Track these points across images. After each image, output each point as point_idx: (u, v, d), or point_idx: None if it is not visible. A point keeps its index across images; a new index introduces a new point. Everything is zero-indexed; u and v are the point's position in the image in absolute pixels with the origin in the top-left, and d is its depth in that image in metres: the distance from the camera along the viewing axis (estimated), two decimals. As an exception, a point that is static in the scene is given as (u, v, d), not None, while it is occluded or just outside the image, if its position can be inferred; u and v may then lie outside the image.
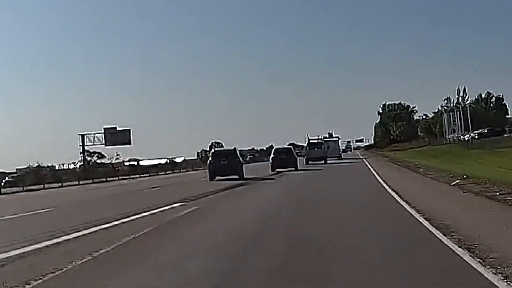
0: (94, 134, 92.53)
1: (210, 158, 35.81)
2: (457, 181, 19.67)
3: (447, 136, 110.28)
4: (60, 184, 53.85)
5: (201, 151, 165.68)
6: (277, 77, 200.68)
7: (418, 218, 11.16)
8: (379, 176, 25.63)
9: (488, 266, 6.62)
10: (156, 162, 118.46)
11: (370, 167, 35.84)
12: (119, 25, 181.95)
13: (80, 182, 56.74)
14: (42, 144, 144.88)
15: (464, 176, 20.98)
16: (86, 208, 21.14)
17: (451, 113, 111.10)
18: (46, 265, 8.25)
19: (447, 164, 37.72)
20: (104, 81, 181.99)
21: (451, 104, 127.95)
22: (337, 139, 79.96)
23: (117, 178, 63.89)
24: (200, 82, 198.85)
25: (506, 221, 10.33)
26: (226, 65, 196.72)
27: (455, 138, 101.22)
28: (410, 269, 6.85)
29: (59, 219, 16.05)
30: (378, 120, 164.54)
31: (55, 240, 10.91)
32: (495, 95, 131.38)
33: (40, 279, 7.37)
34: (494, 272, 6.36)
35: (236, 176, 33.25)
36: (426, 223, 10.36)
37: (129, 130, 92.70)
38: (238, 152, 37.09)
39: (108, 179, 61.62)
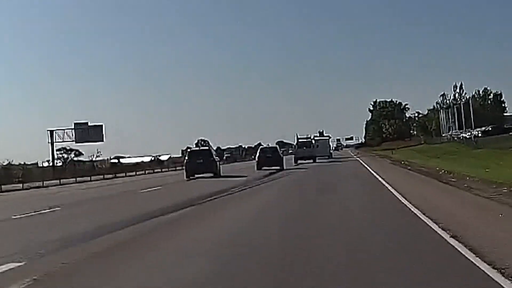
0: (64, 130, 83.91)
1: (186, 157, 37.82)
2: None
3: (443, 134, 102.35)
4: (41, 183, 45.82)
5: (186, 149, 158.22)
6: (266, 74, 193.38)
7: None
8: (398, 192, 15.48)
9: None
10: (143, 159, 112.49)
11: (373, 172, 26.80)
12: (99, 17, 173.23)
13: (61, 182, 48.63)
14: (9, 140, 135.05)
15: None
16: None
17: (448, 110, 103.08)
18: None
19: (464, 166, 29.47)
20: (89, 77, 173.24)
21: (447, 101, 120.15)
22: (327, 138, 78.25)
23: (102, 177, 55.84)
24: (188, 79, 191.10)
25: None
26: (214, 62, 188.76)
27: (453, 136, 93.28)
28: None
29: None
30: (369, 117, 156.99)
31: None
32: (493, 92, 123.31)
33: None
34: None
35: (211, 174, 34.73)
36: None
37: (102, 126, 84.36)
38: (213, 151, 39.49)
39: (93, 178, 53.68)
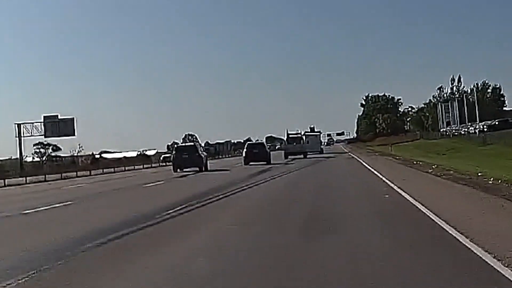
0: (33, 123, 75.52)
1: (174, 152, 39.59)
2: None
3: (441, 129, 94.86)
4: (23, 180, 40.11)
5: (172, 144, 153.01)
6: (257, 69, 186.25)
7: None
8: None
9: None
10: (126, 155, 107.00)
11: (384, 178, 18.48)
12: (91, 15, 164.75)
13: (46, 178, 42.71)
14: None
15: None
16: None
17: (448, 103, 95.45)
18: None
19: (500, 169, 21.81)
20: (77, 74, 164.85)
21: (445, 95, 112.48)
22: (318, 133, 76.71)
23: (88, 174, 49.68)
24: (177, 74, 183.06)
25: None
26: (204, 58, 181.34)
27: (452, 131, 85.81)
28: None
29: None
30: (361, 112, 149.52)
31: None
32: (491, 85, 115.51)
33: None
34: None
35: (197, 168, 35.99)
36: None
37: (73, 119, 75.75)
38: (199, 146, 40.58)
39: (79, 174, 48.43)
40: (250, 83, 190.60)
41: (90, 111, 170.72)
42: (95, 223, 11.35)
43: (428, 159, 35.33)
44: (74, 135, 76.50)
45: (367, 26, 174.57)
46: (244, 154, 43.74)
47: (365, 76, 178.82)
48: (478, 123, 72.86)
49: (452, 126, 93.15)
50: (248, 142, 51.78)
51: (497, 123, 70.08)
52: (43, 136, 76.82)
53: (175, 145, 45.97)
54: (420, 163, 26.74)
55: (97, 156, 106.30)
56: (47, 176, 44.01)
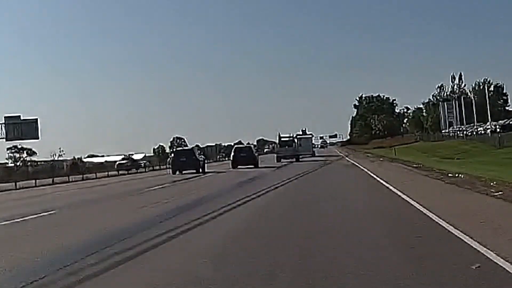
0: (-4, 125, 66.37)
1: (172, 156, 42.10)
2: None
3: (443, 130, 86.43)
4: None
5: (158, 147, 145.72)
6: (247, 71, 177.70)
7: None
8: None
9: None
10: (116, 158, 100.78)
11: (443, 220, 9.02)
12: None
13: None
14: None
15: None
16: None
17: (451, 103, 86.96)
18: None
19: None
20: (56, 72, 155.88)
21: (445, 94, 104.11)
22: (310, 136, 76.41)
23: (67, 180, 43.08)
24: (168, 74, 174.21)
25: None
26: (194, 58, 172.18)
27: (457, 131, 77.40)
28: None
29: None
30: (355, 113, 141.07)
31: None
32: (493, 83, 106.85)
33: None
34: None
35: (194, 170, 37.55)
36: None
37: (36, 120, 66.52)
38: (196, 151, 42.66)
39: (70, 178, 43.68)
40: (241, 85, 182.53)
41: (76, 114, 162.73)
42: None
43: (451, 166, 26.74)
44: (37, 138, 67.20)
45: (358, 25, 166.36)
46: (231, 158, 43.20)
47: (357, 77, 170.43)
48: (490, 123, 64.24)
49: (455, 126, 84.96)
50: (236, 146, 49.76)
51: (511, 122, 61.71)
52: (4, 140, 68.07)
53: (175, 149, 46.71)
54: (461, 175, 17.89)
55: (81, 160, 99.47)
56: (18, 183, 37.01)
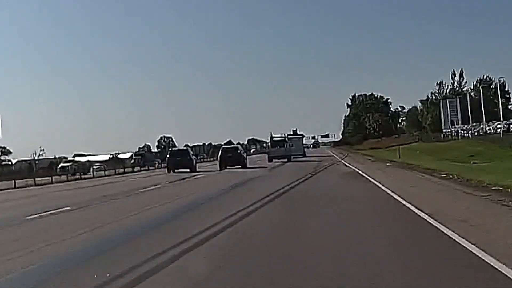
0: None
1: (168, 156, 42.15)
2: None
3: (444, 130, 78.87)
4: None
5: (143, 146, 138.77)
6: (238, 69, 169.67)
7: None
8: None
9: None
10: (102, 158, 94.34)
11: None
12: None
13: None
14: None
15: None
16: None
17: (455, 100, 79.27)
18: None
19: None
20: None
21: (445, 91, 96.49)
22: (301, 136, 75.01)
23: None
24: (156, 72, 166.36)
25: None
26: (183, 55, 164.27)
27: (461, 131, 69.82)
28: None
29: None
30: (348, 113, 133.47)
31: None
32: (495, 81, 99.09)
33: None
34: None
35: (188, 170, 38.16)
36: None
37: (-5, 118, 58.84)
38: (190, 151, 44.74)
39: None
40: (232, 83, 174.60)
41: (61, 114, 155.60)
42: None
43: (479, 173, 18.99)
44: (-3, 137, 59.68)
45: (350, 23, 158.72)
46: (219, 158, 42.02)
47: (350, 76, 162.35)
48: (502, 122, 56.62)
49: (457, 125, 77.52)
50: (223, 146, 49.27)
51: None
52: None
53: (170, 149, 47.81)
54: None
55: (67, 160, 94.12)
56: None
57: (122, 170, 50.68)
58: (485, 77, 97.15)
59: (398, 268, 5.87)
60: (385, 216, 10.59)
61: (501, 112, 57.47)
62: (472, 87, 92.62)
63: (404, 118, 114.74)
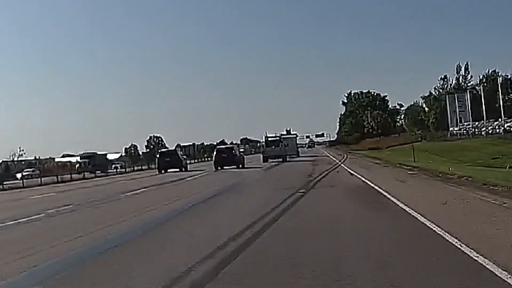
0: None
1: (157, 156, 42.92)
2: None
3: (451, 127, 70.73)
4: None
5: (130, 146, 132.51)
6: (230, 68, 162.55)
7: None
8: None
9: None
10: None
11: None
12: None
13: None
14: None
15: None
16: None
17: (464, 95, 71.03)
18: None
19: None
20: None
21: (448, 87, 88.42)
22: (294, 136, 73.40)
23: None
24: (147, 72, 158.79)
25: None
26: (175, 54, 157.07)
27: (473, 129, 61.74)
28: None
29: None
30: (344, 111, 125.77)
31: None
32: (502, 75, 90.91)
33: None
34: None
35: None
36: None
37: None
38: (179, 151, 45.67)
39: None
40: (225, 83, 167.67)
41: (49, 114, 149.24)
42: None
43: None
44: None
45: (344, 21, 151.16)
46: (214, 159, 41.93)
47: (344, 74, 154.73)
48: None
49: (465, 122, 69.46)
50: (218, 147, 48.50)
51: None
52: None
53: (160, 150, 48.15)
54: None
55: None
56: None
57: (55, 178, 40.21)
58: (490, 72, 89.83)
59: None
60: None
61: (502, 110, 49.13)
62: (478, 82, 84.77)
63: (403, 116, 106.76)
